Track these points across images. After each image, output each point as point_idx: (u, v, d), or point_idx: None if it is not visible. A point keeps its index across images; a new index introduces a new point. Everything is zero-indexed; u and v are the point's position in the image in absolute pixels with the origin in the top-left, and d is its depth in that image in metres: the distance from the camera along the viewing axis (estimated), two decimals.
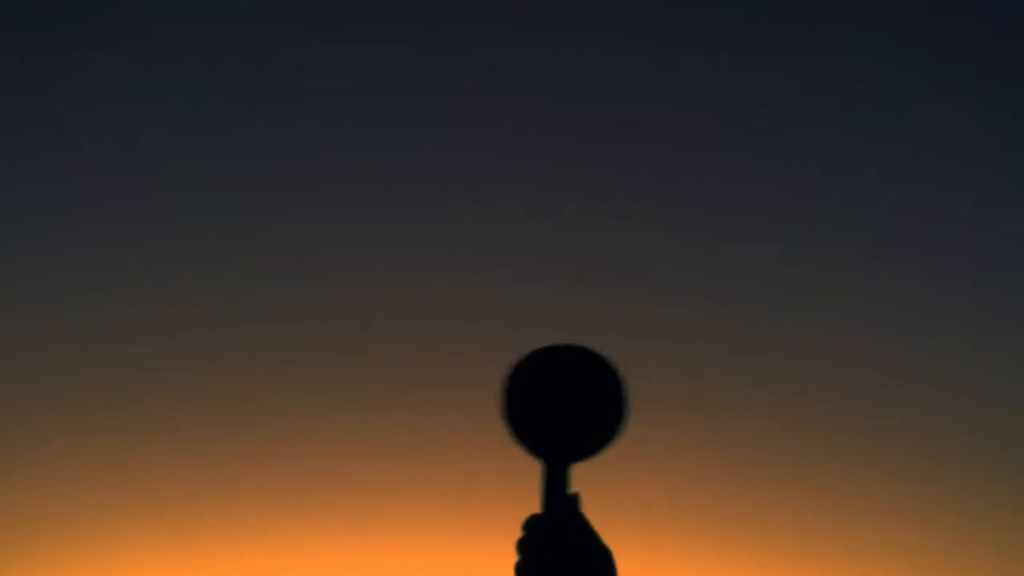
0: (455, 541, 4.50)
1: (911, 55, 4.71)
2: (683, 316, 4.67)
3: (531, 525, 1.48)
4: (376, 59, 4.72)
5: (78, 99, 4.69)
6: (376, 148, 4.75)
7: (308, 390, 4.67)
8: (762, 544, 4.52)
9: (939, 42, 4.74)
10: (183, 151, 4.72)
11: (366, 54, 4.70)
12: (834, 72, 4.67)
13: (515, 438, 1.50)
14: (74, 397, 4.65)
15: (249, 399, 4.65)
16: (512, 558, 1.49)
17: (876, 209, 4.77)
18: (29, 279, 4.69)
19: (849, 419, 4.68)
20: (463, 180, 4.75)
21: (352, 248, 4.74)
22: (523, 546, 1.47)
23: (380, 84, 4.73)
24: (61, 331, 4.66)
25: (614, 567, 1.48)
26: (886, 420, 4.68)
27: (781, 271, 4.71)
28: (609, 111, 4.69)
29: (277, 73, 4.74)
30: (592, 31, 4.68)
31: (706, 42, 4.62)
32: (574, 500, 1.49)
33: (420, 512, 4.56)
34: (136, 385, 4.66)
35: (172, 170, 4.72)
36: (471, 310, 4.67)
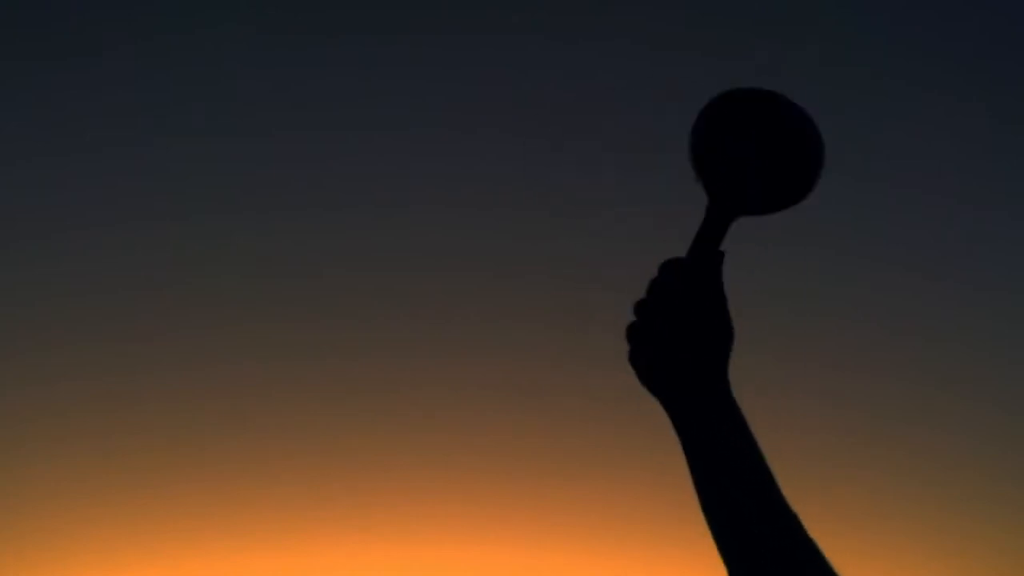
0: (455, 541, 4.51)
1: (910, 54, 4.71)
2: None
3: (668, 268, 1.32)
4: (376, 60, 4.73)
5: (78, 100, 4.70)
6: (375, 149, 4.76)
7: (309, 390, 4.68)
8: None
9: (938, 40, 4.74)
10: (183, 152, 4.73)
11: (366, 55, 4.71)
12: (833, 71, 4.67)
13: (694, 166, 1.35)
14: (74, 397, 4.65)
15: (249, 399, 4.66)
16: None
17: (876, 210, 4.78)
18: (30, 280, 4.69)
19: (848, 420, 4.69)
20: (463, 178, 4.76)
21: (352, 248, 4.74)
22: (652, 287, 1.31)
23: (380, 85, 4.74)
24: (61, 331, 4.67)
25: (731, 345, 1.34)
26: (886, 420, 4.69)
27: (780, 271, 4.72)
28: (607, 111, 4.69)
29: (276, 74, 4.75)
30: (593, 33, 4.68)
31: (706, 45, 4.63)
32: (721, 256, 1.35)
33: (420, 512, 4.56)
34: (136, 384, 4.67)
35: (172, 171, 4.73)
36: (476, 310, 4.67)
